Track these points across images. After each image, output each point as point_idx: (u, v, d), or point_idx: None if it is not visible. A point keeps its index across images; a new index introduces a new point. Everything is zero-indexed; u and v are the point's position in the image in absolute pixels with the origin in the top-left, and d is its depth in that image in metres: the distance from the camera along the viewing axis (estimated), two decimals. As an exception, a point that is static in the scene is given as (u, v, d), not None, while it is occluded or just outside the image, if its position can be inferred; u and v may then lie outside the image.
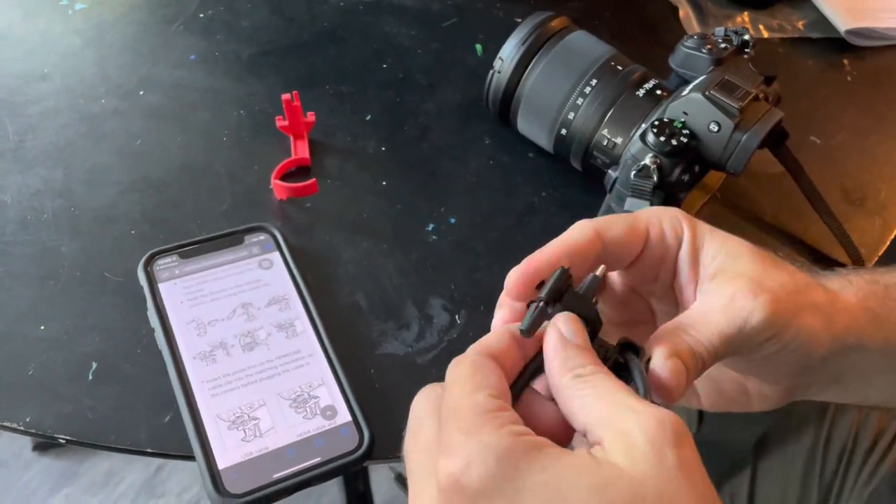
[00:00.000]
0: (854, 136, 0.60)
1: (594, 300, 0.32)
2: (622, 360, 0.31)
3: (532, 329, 0.31)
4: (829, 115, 0.61)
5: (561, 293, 0.31)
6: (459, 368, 0.29)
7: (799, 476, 0.60)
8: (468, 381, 0.28)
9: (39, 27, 0.59)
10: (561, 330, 0.29)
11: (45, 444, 1.18)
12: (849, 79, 0.65)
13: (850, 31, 0.66)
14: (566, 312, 0.30)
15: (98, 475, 1.17)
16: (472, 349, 0.30)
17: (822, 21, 0.68)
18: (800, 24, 0.68)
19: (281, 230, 0.47)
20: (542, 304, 0.31)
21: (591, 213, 0.50)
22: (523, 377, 0.31)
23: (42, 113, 0.53)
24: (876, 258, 0.53)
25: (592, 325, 0.31)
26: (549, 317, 0.31)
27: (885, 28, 0.66)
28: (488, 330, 0.45)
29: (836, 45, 0.66)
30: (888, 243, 0.53)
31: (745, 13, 0.68)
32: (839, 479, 0.59)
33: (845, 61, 0.66)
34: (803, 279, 0.33)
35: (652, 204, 0.43)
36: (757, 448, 0.61)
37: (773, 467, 0.61)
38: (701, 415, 0.67)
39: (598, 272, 0.33)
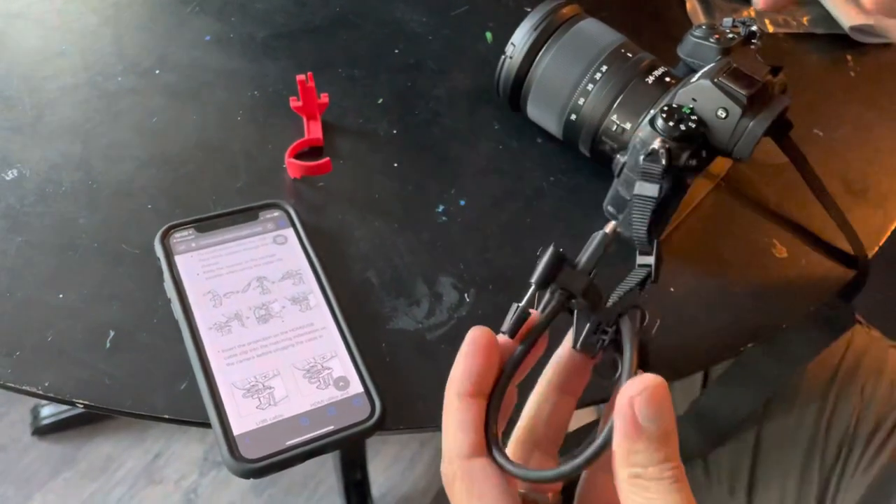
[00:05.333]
0: (856, 129, 0.61)
1: (591, 274, 0.32)
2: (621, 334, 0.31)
3: (515, 330, 0.31)
4: (832, 109, 0.62)
5: (553, 275, 0.31)
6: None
7: (798, 469, 0.61)
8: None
9: (56, 5, 0.60)
10: (636, 411, 0.25)
11: (44, 429, 1.18)
12: (852, 74, 0.66)
13: (854, 28, 0.67)
14: (645, 379, 0.25)
15: (97, 460, 1.18)
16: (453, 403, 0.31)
17: (827, 17, 0.69)
18: (804, 20, 0.69)
19: (294, 207, 0.48)
20: (530, 294, 0.31)
21: (599, 197, 0.51)
22: (502, 381, 0.31)
23: (60, 89, 0.54)
24: (876, 248, 0.54)
25: (593, 300, 0.32)
26: (551, 299, 0.32)
27: (889, 25, 0.67)
28: (496, 308, 0.47)
29: (839, 42, 0.68)
30: (888, 234, 0.55)
31: (751, 7, 0.69)
32: (839, 467, 0.60)
33: (849, 57, 0.67)
34: None
35: (661, 189, 0.44)
36: (759, 422, 0.62)
37: (772, 462, 0.62)
38: (704, 381, 0.67)
39: (608, 229, 0.33)
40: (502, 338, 0.32)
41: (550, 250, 0.31)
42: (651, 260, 0.39)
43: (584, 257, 0.33)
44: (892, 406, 0.60)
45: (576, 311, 0.33)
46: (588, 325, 0.33)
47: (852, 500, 0.58)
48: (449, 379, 0.31)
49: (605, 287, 0.34)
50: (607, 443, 0.27)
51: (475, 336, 0.31)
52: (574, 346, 0.34)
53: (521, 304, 0.32)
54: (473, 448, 0.30)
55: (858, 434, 0.60)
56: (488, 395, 0.31)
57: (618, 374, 0.31)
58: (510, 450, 0.34)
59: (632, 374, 0.29)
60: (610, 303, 0.34)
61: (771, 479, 0.62)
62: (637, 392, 0.25)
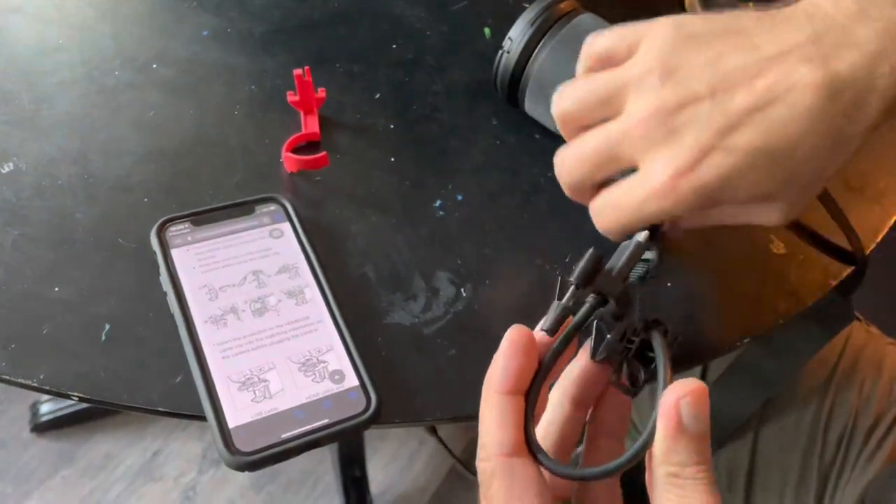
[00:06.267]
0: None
1: (626, 279, 0.33)
2: (648, 339, 0.32)
3: (556, 328, 0.32)
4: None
5: (592, 276, 0.32)
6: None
7: (796, 466, 0.61)
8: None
9: (55, 0, 0.60)
10: (681, 412, 0.27)
11: (43, 426, 1.18)
12: (850, 71, 0.65)
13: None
14: (689, 382, 0.27)
15: (96, 458, 1.18)
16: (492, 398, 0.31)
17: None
18: (803, 17, 0.69)
19: (291, 201, 0.48)
20: (571, 293, 0.31)
21: (596, 192, 0.51)
22: (538, 378, 0.31)
23: (58, 83, 0.54)
24: (874, 244, 0.54)
25: (623, 306, 0.32)
26: (580, 299, 0.32)
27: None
28: (493, 303, 0.47)
29: (838, 39, 0.67)
30: (886, 230, 0.54)
31: (750, 3, 0.69)
32: (838, 463, 0.60)
33: (847, 54, 0.67)
34: None
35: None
36: (757, 422, 0.62)
37: (771, 459, 0.62)
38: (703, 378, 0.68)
39: (641, 237, 0.34)
40: (538, 335, 0.32)
41: (591, 252, 0.32)
42: (652, 255, 0.39)
43: (618, 263, 0.33)
44: (891, 403, 0.60)
45: (596, 322, 0.33)
46: (612, 333, 0.33)
47: (851, 496, 0.58)
48: (487, 376, 0.31)
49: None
50: (650, 441, 0.28)
51: (515, 336, 0.31)
52: (592, 356, 0.33)
53: (562, 302, 0.32)
54: (514, 446, 0.30)
55: (857, 431, 0.60)
56: (525, 393, 0.31)
57: (640, 382, 0.32)
58: None
59: (667, 381, 0.29)
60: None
61: (770, 476, 0.62)
62: (684, 394, 0.27)
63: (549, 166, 0.54)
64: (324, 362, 0.42)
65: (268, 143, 0.53)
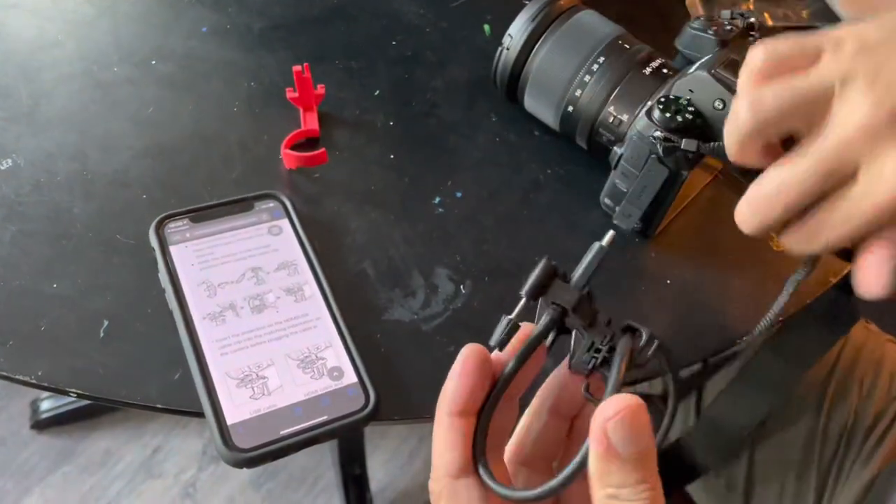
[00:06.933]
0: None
1: (584, 289, 0.31)
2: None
3: (503, 343, 0.31)
4: (831, 103, 0.62)
5: (544, 287, 0.30)
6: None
7: (796, 463, 0.61)
8: None
9: (53, -4, 0.60)
10: (609, 435, 0.25)
11: (43, 423, 1.18)
12: (851, 68, 0.65)
13: (853, 22, 0.67)
14: (620, 400, 0.25)
15: (96, 454, 1.18)
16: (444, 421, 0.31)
17: (827, 11, 0.68)
18: (804, 14, 0.69)
19: (290, 198, 0.48)
20: (521, 306, 0.30)
21: (596, 189, 0.51)
22: (491, 398, 0.31)
23: (56, 79, 0.54)
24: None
25: (586, 317, 0.30)
26: (544, 314, 0.31)
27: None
28: (492, 299, 0.47)
29: (839, 35, 0.67)
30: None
31: (751, 0, 0.68)
32: (838, 461, 0.59)
33: (848, 51, 0.66)
34: None
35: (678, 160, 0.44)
36: (755, 435, 0.62)
37: (771, 457, 0.62)
38: (699, 404, 0.67)
39: (605, 241, 0.32)
40: (498, 353, 0.32)
41: (543, 262, 0.31)
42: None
43: (578, 271, 0.32)
44: (891, 400, 0.60)
45: (575, 330, 0.32)
46: (581, 344, 0.31)
47: (851, 493, 0.58)
48: (440, 396, 0.31)
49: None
50: (584, 463, 0.27)
51: (466, 354, 0.31)
52: (568, 366, 0.33)
53: (510, 317, 0.31)
54: (460, 467, 0.30)
55: (857, 428, 0.59)
56: (478, 412, 0.31)
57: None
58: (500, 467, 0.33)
59: (615, 390, 0.28)
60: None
61: (770, 474, 0.62)
62: (612, 414, 0.25)
63: (548, 163, 0.54)
64: (322, 359, 0.41)
65: (266, 140, 0.52)
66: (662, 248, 0.51)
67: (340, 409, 0.40)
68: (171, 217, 0.46)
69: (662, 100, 0.45)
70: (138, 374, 0.41)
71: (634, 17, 0.62)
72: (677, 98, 0.45)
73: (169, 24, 0.59)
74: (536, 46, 0.51)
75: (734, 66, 0.45)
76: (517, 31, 0.52)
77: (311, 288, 0.44)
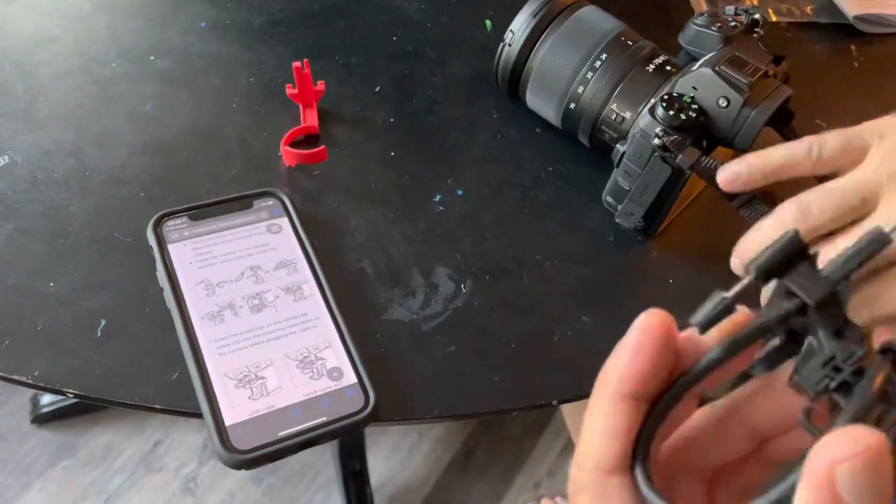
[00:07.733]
0: (859, 120, 0.59)
1: (839, 284, 0.23)
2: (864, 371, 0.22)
3: (707, 326, 0.24)
4: (835, 100, 0.61)
5: (787, 266, 0.23)
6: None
7: None
8: None
9: (50, -9, 0.59)
10: (837, 480, 0.18)
11: (43, 417, 1.18)
12: (856, 64, 0.65)
13: (858, 18, 0.66)
14: (856, 434, 0.18)
15: (96, 449, 1.18)
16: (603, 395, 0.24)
17: (831, 6, 0.68)
18: (808, 9, 0.68)
19: (289, 196, 0.48)
20: (742, 285, 0.23)
21: (599, 187, 0.50)
22: (676, 388, 0.24)
23: (53, 75, 0.53)
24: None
25: (830, 321, 0.22)
26: (779, 302, 0.23)
27: (894, 15, 0.67)
28: (493, 299, 0.46)
29: (843, 31, 0.67)
30: (891, 226, 0.54)
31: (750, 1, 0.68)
32: None
33: (853, 47, 0.66)
34: None
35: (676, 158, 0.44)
36: None
37: None
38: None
39: (888, 228, 0.23)
40: (691, 333, 0.25)
41: (789, 234, 0.23)
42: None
43: (842, 258, 0.23)
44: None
45: (810, 336, 0.23)
46: (816, 355, 0.23)
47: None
48: (603, 370, 0.24)
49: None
50: (783, 502, 0.20)
51: (648, 324, 0.23)
52: (790, 379, 0.24)
53: (727, 295, 0.24)
54: (616, 462, 0.24)
55: None
56: (651, 400, 0.24)
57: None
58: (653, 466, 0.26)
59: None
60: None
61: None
62: (845, 455, 0.18)
63: (550, 160, 0.54)
64: (322, 359, 0.41)
65: (266, 137, 0.52)
66: (665, 246, 0.50)
67: (340, 410, 0.39)
68: (169, 215, 0.46)
69: (666, 97, 0.44)
70: (136, 374, 0.41)
71: (637, 13, 0.62)
72: (681, 95, 0.45)
73: (167, 20, 0.59)
74: (538, 43, 0.51)
75: (739, 64, 0.45)
76: (519, 27, 0.51)
77: (311, 287, 0.44)
